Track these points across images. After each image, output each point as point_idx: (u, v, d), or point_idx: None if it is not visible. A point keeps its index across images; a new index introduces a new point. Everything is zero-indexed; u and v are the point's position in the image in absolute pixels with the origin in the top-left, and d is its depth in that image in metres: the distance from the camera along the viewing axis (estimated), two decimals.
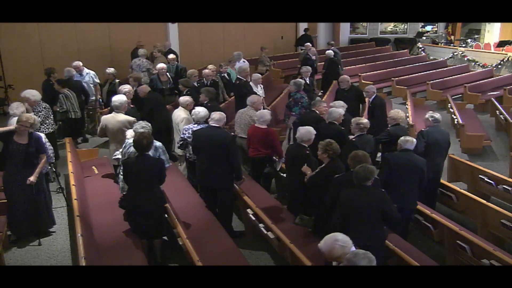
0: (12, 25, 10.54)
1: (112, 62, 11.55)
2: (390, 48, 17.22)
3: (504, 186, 6.09)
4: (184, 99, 6.69)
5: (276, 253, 5.11)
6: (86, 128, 9.33)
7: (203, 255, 4.36)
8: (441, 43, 17.75)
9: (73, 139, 7.85)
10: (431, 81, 12.20)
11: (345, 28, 17.97)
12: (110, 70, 9.13)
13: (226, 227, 5.31)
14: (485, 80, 12.69)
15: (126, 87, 7.14)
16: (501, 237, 5.35)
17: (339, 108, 6.32)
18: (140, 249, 4.71)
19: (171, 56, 10.15)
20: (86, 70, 9.27)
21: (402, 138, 5.24)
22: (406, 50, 16.69)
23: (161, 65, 8.92)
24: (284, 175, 6.08)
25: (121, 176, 5.15)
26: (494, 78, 13.12)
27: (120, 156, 5.50)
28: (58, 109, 7.93)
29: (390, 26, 18.24)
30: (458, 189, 5.99)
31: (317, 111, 6.55)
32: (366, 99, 8.05)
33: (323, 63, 12.09)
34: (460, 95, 11.89)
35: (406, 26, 18.03)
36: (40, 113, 6.68)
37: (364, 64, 14.28)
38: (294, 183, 5.39)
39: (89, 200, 5.79)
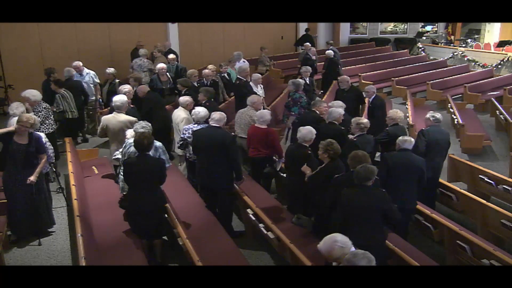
0: (12, 25, 10.54)
1: (112, 62, 11.53)
2: (390, 48, 17.22)
3: (504, 186, 6.09)
4: (184, 99, 6.69)
5: (276, 253, 5.10)
6: (86, 128, 9.34)
7: (203, 255, 4.36)
8: (441, 43, 17.76)
9: (73, 139, 7.85)
10: (431, 81, 12.20)
11: (345, 28, 17.96)
12: (110, 70, 9.13)
13: (226, 227, 5.31)
14: (485, 80, 12.70)
15: (126, 87, 7.13)
16: (501, 237, 5.35)
17: (338, 108, 6.32)
18: (140, 249, 4.71)
19: (171, 56, 10.15)
20: (86, 70, 9.26)
21: (400, 138, 5.24)
22: (406, 50, 16.69)
23: (161, 65, 8.92)
24: (284, 175, 6.08)
25: (121, 176, 5.15)
26: (494, 78, 13.13)
27: (120, 156, 5.50)
28: (55, 109, 7.92)
29: (390, 26, 18.23)
30: (458, 189, 5.99)
31: (317, 111, 6.55)
32: (366, 99, 8.05)
33: (323, 63, 12.11)
34: (460, 95, 11.89)
35: (406, 26, 18.03)
36: (40, 113, 6.69)
37: (364, 64, 14.28)
38: (294, 183, 5.39)
39: (89, 200, 5.79)
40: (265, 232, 5.03)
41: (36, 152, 5.36)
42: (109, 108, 7.59)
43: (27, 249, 5.40)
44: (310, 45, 12.69)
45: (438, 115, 6.07)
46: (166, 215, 5.09)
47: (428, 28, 18.34)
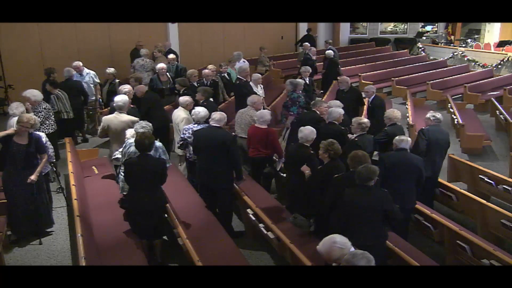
0: (12, 25, 10.54)
1: (112, 62, 11.53)
2: (390, 48, 17.22)
3: (504, 186, 6.09)
4: (184, 99, 6.68)
5: (276, 253, 5.11)
6: (86, 128, 9.33)
7: (203, 255, 4.37)
8: (441, 43, 17.75)
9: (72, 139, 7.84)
10: (431, 81, 12.20)
11: (345, 28, 17.97)
12: (110, 70, 9.13)
13: (226, 227, 5.31)
14: (485, 80, 12.70)
15: (126, 87, 7.13)
16: (501, 237, 5.35)
17: (338, 108, 6.32)
18: (140, 249, 4.71)
19: (171, 56, 10.16)
20: (86, 70, 9.26)
21: (397, 137, 5.24)
22: (406, 50, 16.69)
23: (161, 65, 8.92)
24: (284, 175, 6.08)
25: (121, 176, 5.15)
26: (494, 78, 13.13)
27: (119, 156, 5.49)
28: None
29: (390, 26, 18.23)
30: (458, 189, 5.99)
31: (317, 111, 6.55)
32: (366, 99, 8.04)
33: (322, 63, 12.10)
34: (460, 95, 11.89)
35: (406, 26, 18.03)
36: (40, 114, 6.69)
37: (364, 64, 14.27)
38: (294, 183, 5.39)
39: (89, 200, 5.79)
40: (265, 232, 5.03)
41: (36, 152, 5.36)
42: (109, 108, 7.58)
43: (27, 249, 5.40)
44: (309, 45, 12.69)
45: (438, 115, 6.06)
46: (166, 215, 5.09)
47: (428, 28, 18.34)
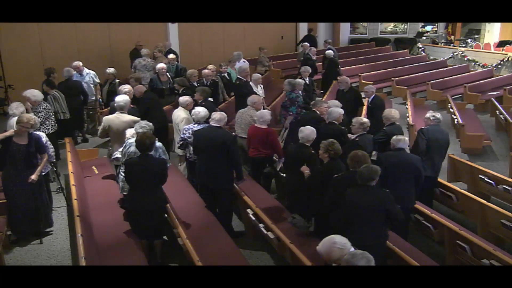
0: (12, 25, 10.53)
1: (112, 62, 11.53)
2: (390, 48, 17.23)
3: (504, 186, 6.09)
4: (184, 99, 6.68)
5: (276, 253, 5.11)
6: (86, 128, 9.33)
7: (203, 255, 4.37)
8: (441, 43, 17.76)
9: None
10: (431, 81, 12.20)
11: (345, 28, 17.97)
12: (110, 70, 9.13)
13: (226, 227, 5.31)
14: (485, 80, 12.70)
15: (126, 87, 7.12)
16: (501, 237, 5.35)
17: (338, 108, 6.32)
18: (140, 249, 4.71)
19: (171, 56, 10.15)
20: (86, 70, 9.26)
21: (394, 137, 5.23)
22: (406, 50, 16.69)
23: (161, 65, 8.92)
24: (284, 175, 6.08)
25: (121, 176, 5.15)
26: (494, 78, 13.13)
27: (119, 156, 5.49)
28: None
29: (390, 26, 18.24)
30: (458, 189, 5.99)
31: (317, 111, 6.54)
32: (365, 100, 8.04)
33: (322, 63, 12.10)
34: (460, 95, 11.90)
35: (406, 26, 18.03)
36: (39, 114, 6.68)
37: (364, 64, 14.28)
38: (294, 183, 5.39)
39: (89, 200, 5.79)
40: (265, 232, 5.03)
41: (36, 152, 5.36)
42: (109, 108, 7.58)
43: (27, 249, 5.40)
44: (308, 45, 12.69)
45: (438, 115, 6.06)
46: (166, 215, 5.09)
47: (428, 28, 18.34)
